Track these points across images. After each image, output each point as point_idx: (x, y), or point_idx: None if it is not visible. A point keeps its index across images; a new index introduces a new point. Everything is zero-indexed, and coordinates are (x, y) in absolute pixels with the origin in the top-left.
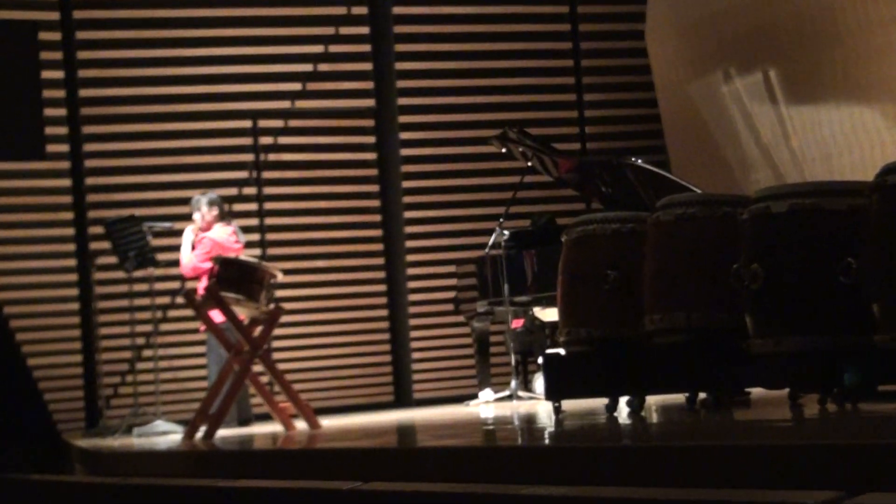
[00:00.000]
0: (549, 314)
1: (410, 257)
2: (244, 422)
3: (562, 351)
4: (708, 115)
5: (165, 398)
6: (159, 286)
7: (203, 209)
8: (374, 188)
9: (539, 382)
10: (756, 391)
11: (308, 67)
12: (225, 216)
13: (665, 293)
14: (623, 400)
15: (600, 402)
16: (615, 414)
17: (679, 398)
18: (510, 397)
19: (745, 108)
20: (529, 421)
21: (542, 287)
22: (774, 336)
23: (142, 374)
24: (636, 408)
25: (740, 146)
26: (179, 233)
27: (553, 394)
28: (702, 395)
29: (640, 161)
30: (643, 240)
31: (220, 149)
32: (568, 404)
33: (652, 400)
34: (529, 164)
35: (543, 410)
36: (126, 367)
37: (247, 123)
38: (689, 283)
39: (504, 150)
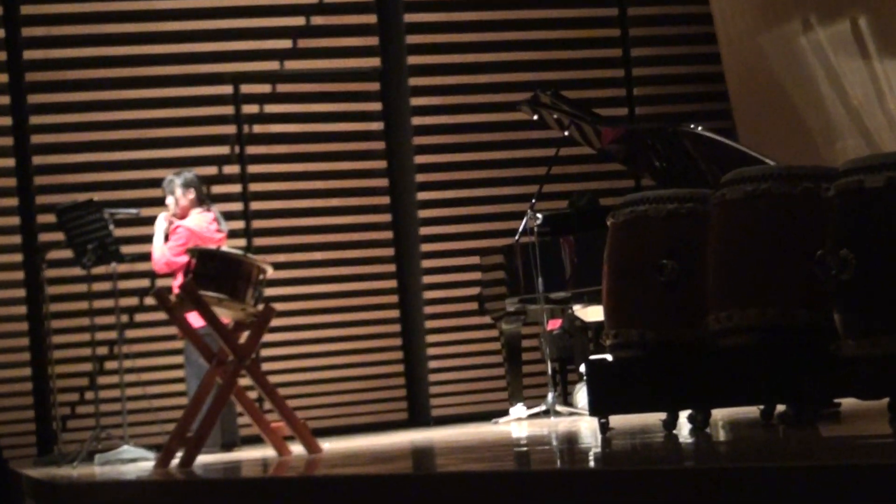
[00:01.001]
0: (593, 313)
1: (426, 247)
2: (229, 445)
3: (608, 357)
4: (783, 72)
5: (134, 418)
6: (125, 285)
7: (177, 192)
8: (381, 164)
9: (581, 395)
10: (847, 402)
11: (300, 21)
12: (203, 200)
13: (733, 286)
14: (684, 415)
15: (656, 418)
16: (675, 431)
17: (752, 412)
18: (547, 413)
19: (828, 64)
20: (571, 441)
21: (584, 281)
22: (869, 335)
23: (105, 389)
24: (700, 424)
25: (823, 109)
26: (149, 221)
27: (599, 408)
28: (780, 408)
29: (700, 128)
30: (705, 222)
31: (195, 120)
32: (616, 420)
33: (719, 414)
34: (566, 133)
35: (587, 428)
36: (85, 382)
37: (227, 89)
38: (763, 273)
39: (536, 118)
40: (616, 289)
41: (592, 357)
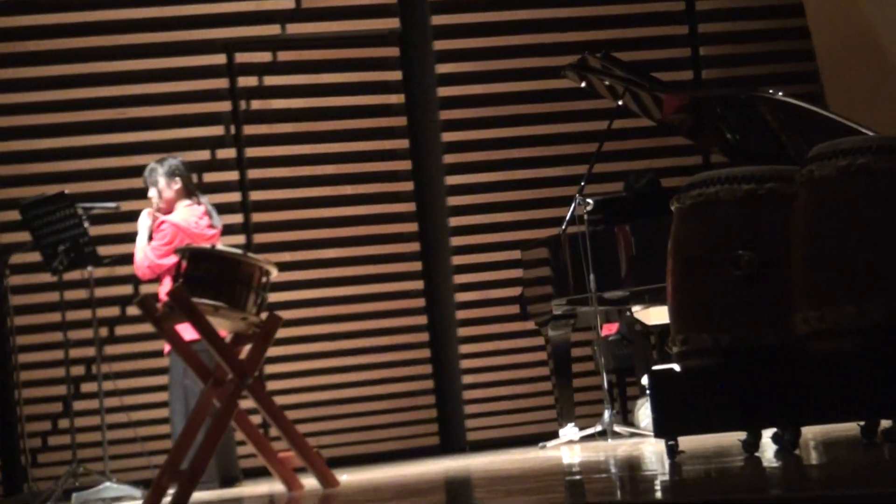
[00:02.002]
0: (656, 315)
1: (456, 240)
2: (229, 481)
3: (676, 367)
4: (882, 26)
5: (116, 450)
6: (103, 292)
7: (160, 182)
8: (403, 144)
9: (644, 412)
10: None
11: None
12: (192, 191)
13: (825, 280)
14: (767, 434)
15: (734, 439)
16: (757, 454)
17: (851, 429)
18: (603, 434)
19: None
20: (633, 467)
21: (644, 277)
22: None
23: (81, 416)
24: (788, 444)
25: None
26: (130, 216)
27: (665, 428)
28: (884, 424)
29: (781, 93)
30: (790, 205)
31: (182, 96)
32: (687, 442)
33: (810, 432)
34: (620, 102)
35: (652, 452)
36: (59, 408)
37: (219, 59)
38: (861, 263)
39: (584, 85)
40: (683, 285)
41: (656, 367)
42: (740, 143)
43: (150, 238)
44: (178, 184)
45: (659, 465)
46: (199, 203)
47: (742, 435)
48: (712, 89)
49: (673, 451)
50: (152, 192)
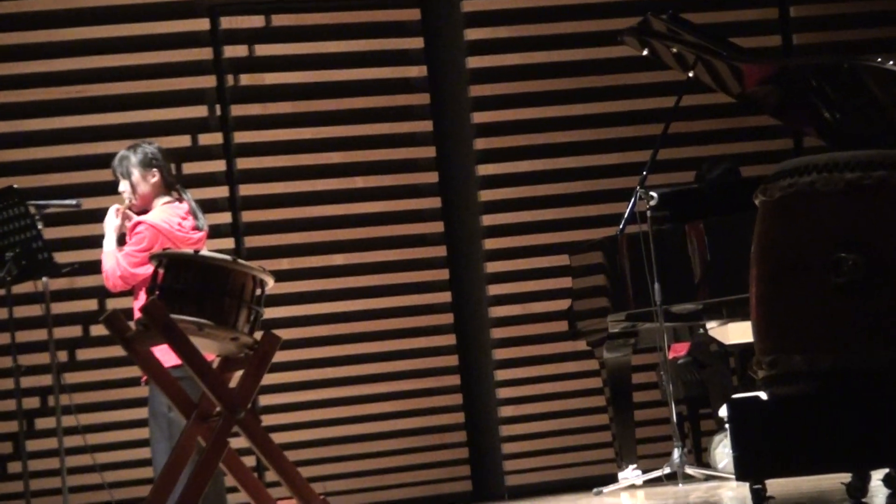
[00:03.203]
0: (736, 332)
1: (491, 243)
2: None
3: (762, 395)
4: None
5: (78, 500)
6: (61, 308)
7: (134, 174)
8: (426, 127)
9: (722, 450)
10: None
11: None
12: (173, 185)
13: None
14: (877, 475)
15: (835, 481)
16: (864, 500)
17: None
18: (672, 478)
19: None
20: None
21: (721, 286)
22: None
23: (36, 459)
24: None
25: None
26: (94, 216)
27: (750, 469)
28: None
29: (892, 62)
30: None
31: (156, 69)
32: (777, 486)
33: None
34: (691, 74)
35: (733, 498)
36: (9, 449)
37: (201, 24)
38: None
39: (646, 53)
40: (770, 296)
41: (737, 396)
42: (841, 123)
43: (122, 242)
44: (155, 176)
45: None
46: (181, 200)
47: (846, 477)
48: (805, 58)
49: (760, 497)
50: (124, 186)
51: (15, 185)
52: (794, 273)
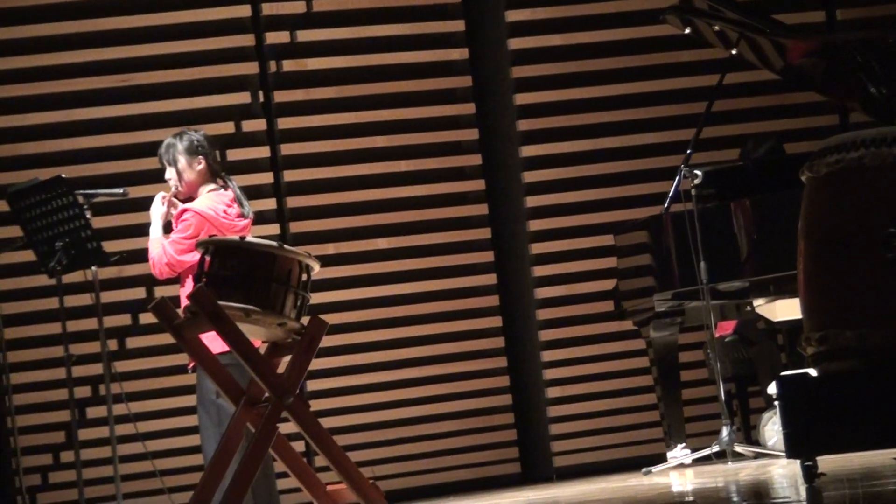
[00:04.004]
0: (783, 309)
1: (535, 224)
2: None
3: (811, 371)
4: None
5: (130, 487)
6: (111, 297)
7: (180, 161)
8: (469, 109)
9: (771, 428)
10: None
11: None
12: (218, 172)
13: None
14: None
15: (887, 457)
16: None
17: None
18: (721, 456)
19: None
20: (760, 495)
21: (768, 263)
22: None
23: (88, 447)
24: None
25: None
26: (141, 204)
27: (800, 446)
28: None
29: None
30: None
31: (200, 57)
32: (827, 463)
33: None
34: (734, 51)
35: (783, 476)
36: (61, 438)
37: (243, 10)
38: None
39: (688, 31)
40: (819, 272)
41: (786, 373)
42: (887, 98)
43: (168, 229)
44: (201, 163)
45: (793, 492)
46: (226, 187)
47: None
48: (850, 33)
49: (811, 475)
50: (170, 174)
51: (63, 175)
52: (844, 249)
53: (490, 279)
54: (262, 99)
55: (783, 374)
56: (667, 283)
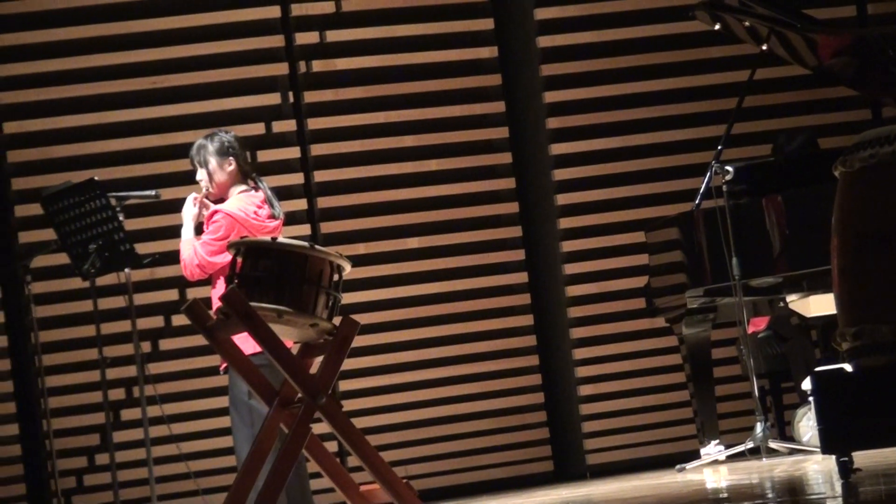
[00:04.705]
0: (817, 305)
1: (566, 222)
2: None
3: (846, 366)
4: None
5: (165, 488)
6: (144, 299)
7: (211, 163)
8: (499, 108)
9: (806, 424)
10: None
11: None
12: (249, 173)
13: None
14: None
15: None
16: None
17: None
18: (756, 452)
19: None
20: (795, 492)
21: (801, 258)
22: None
23: (123, 450)
24: None
25: None
26: (173, 206)
27: (835, 442)
28: None
29: None
30: None
31: (230, 58)
32: (863, 458)
33: None
34: (764, 47)
35: (819, 472)
36: (96, 441)
37: (273, 12)
38: None
39: (718, 27)
40: (853, 267)
41: (821, 368)
42: None
43: (199, 231)
44: (231, 164)
45: (828, 489)
46: (256, 188)
47: None
48: (881, 27)
49: (847, 470)
50: (201, 175)
51: (96, 178)
52: (879, 244)
53: (521, 277)
54: (291, 100)
55: (818, 369)
56: (699, 280)
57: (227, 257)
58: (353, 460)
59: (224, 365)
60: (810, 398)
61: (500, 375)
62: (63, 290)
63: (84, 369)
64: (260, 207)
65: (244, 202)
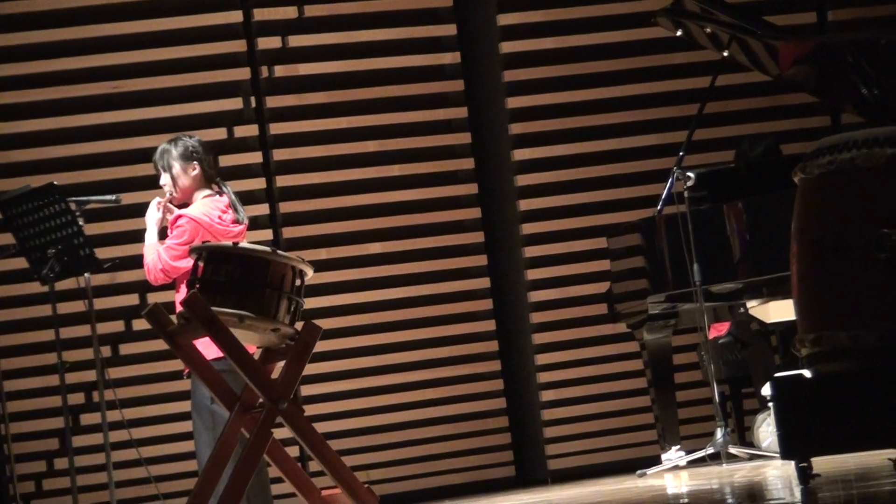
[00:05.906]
0: (777, 311)
1: (528, 227)
2: None
3: (805, 372)
4: None
5: (125, 494)
6: (104, 304)
7: (175, 167)
8: (461, 113)
9: (766, 429)
10: None
11: None
12: (213, 178)
13: None
14: None
15: (881, 458)
16: None
17: None
18: (715, 458)
19: None
20: (755, 497)
21: (761, 264)
22: None
23: (82, 454)
24: None
25: None
26: (135, 210)
27: (794, 447)
28: None
29: None
30: None
31: (191, 63)
32: (822, 464)
33: None
34: (725, 53)
35: (778, 477)
36: (55, 446)
37: (235, 16)
38: None
39: (679, 33)
40: (813, 274)
41: (780, 374)
42: (880, 99)
43: (163, 235)
44: (195, 169)
45: (787, 494)
46: (221, 193)
47: (893, 453)
48: (841, 34)
49: (806, 476)
50: (164, 179)
51: (55, 182)
52: (837, 250)
53: (483, 283)
54: (254, 104)
55: (778, 374)
56: (660, 286)
57: (190, 262)
58: (314, 465)
59: (188, 370)
60: (770, 404)
61: (462, 380)
62: (22, 295)
63: (43, 373)
64: (224, 212)
65: (208, 207)
